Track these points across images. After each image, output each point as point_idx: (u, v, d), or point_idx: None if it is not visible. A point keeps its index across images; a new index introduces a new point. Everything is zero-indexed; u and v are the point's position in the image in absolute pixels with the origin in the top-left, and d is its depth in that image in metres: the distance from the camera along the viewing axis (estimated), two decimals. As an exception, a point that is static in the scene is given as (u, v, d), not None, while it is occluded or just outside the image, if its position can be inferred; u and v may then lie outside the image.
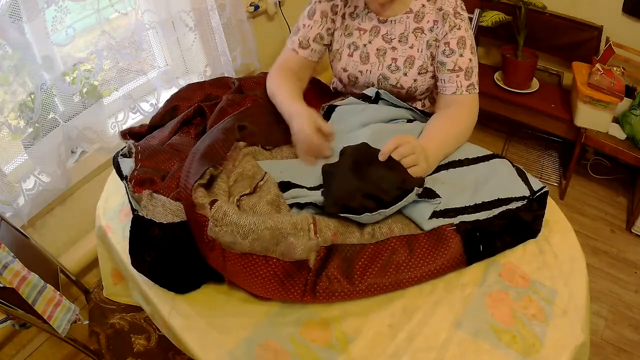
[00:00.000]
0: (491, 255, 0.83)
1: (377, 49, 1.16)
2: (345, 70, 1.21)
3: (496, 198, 0.89)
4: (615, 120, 1.98)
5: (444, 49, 1.09)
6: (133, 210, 0.87)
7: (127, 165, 0.98)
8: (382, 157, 0.87)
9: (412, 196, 0.82)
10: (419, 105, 1.26)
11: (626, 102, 1.92)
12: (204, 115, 1.13)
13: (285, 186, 0.91)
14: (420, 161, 0.90)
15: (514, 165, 0.97)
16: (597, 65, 1.87)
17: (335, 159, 0.91)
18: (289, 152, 1.04)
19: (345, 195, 0.81)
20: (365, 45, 1.17)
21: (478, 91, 1.09)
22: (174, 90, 1.35)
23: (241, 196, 0.86)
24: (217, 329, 0.77)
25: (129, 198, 0.91)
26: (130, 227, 0.83)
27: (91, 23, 1.42)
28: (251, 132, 1.01)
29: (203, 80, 1.33)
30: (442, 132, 1.01)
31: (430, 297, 0.78)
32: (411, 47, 1.14)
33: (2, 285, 1.04)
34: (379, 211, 0.81)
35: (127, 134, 1.13)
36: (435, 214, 0.85)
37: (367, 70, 1.18)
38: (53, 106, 1.37)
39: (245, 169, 0.93)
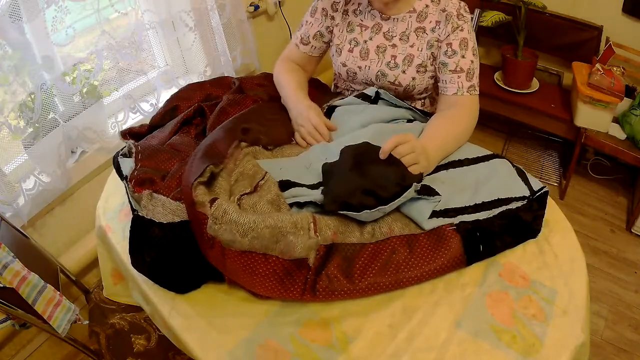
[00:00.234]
0: (491, 255, 0.83)
1: (378, 46, 1.17)
2: (344, 65, 1.22)
3: (496, 198, 0.89)
4: (615, 120, 1.97)
5: (446, 50, 1.09)
6: (133, 210, 0.87)
7: (127, 165, 0.98)
8: (382, 156, 0.87)
9: (411, 192, 0.82)
10: (418, 105, 1.26)
11: (626, 102, 1.92)
12: (204, 115, 1.13)
13: (285, 185, 0.91)
14: (420, 160, 0.90)
15: (514, 165, 0.97)
16: (597, 65, 1.87)
17: (335, 158, 0.91)
18: (290, 152, 1.04)
19: (345, 192, 0.81)
20: (365, 41, 1.18)
21: (478, 93, 1.10)
22: (174, 90, 1.35)
23: (242, 195, 0.86)
24: (217, 329, 0.77)
25: (129, 198, 0.91)
26: (130, 227, 0.83)
27: (91, 23, 1.42)
28: (255, 134, 1.02)
29: (203, 80, 1.33)
30: (442, 132, 1.01)
31: (430, 297, 0.78)
32: (412, 46, 1.14)
33: (2, 285, 1.04)
34: (377, 208, 0.80)
35: (127, 134, 1.13)
36: (435, 214, 0.85)
37: (365, 66, 1.19)
38: (53, 106, 1.37)
39: (246, 168, 0.93)
